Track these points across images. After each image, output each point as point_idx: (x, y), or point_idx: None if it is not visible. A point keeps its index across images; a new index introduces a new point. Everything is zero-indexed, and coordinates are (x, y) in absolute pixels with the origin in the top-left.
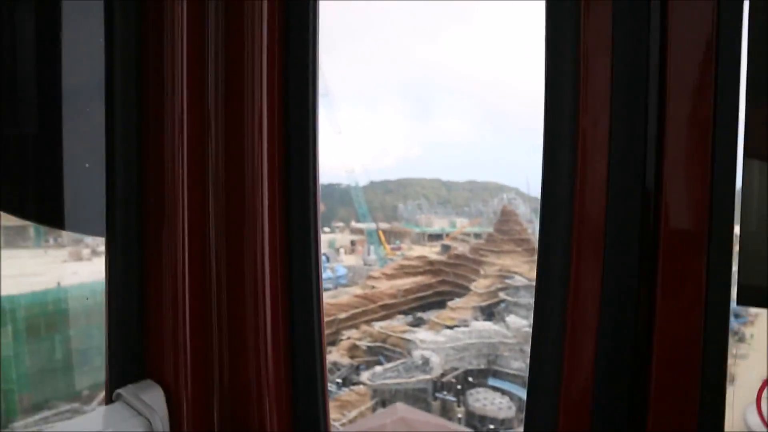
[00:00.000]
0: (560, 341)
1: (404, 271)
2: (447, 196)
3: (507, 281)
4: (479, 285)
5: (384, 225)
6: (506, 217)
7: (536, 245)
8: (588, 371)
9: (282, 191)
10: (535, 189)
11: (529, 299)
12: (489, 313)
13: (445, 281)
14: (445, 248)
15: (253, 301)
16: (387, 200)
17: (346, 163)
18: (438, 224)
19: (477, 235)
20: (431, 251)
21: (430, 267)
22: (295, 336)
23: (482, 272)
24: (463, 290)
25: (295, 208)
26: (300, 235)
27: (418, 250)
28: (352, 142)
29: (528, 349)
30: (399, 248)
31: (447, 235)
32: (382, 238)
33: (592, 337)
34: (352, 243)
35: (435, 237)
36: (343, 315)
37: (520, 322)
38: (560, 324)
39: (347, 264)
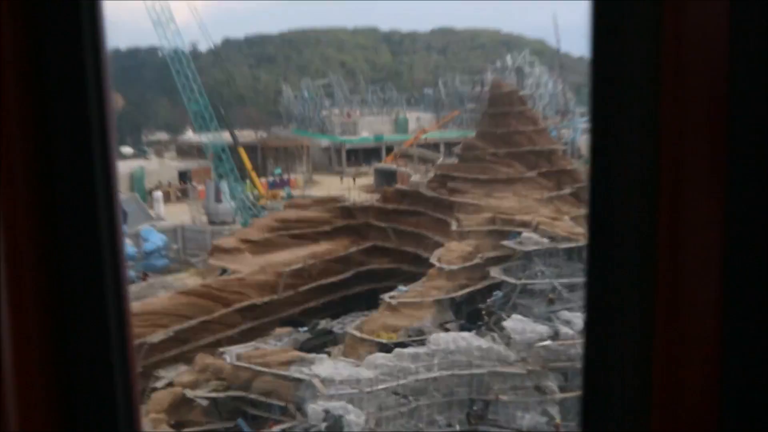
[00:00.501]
0: (647, 371)
1: (292, 231)
2: (391, 65)
3: (505, 243)
4: (449, 254)
5: (251, 135)
6: (497, 105)
7: (575, 167)
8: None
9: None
10: (567, 40)
11: (552, 279)
12: (469, 313)
13: (377, 249)
14: (384, 177)
15: None
16: (262, 79)
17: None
18: (369, 127)
19: (450, 148)
20: (353, 186)
21: (349, 220)
22: (72, 386)
23: (454, 226)
24: (415, 266)
25: (59, 139)
26: (72, 195)
27: (326, 185)
28: None
29: (551, 384)
30: (284, 183)
31: (390, 151)
32: (248, 163)
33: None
34: (183, 177)
35: (364, 155)
36: (157, 336)
37: (532, 329)
38: (645, 339)
39: (171, 223)
